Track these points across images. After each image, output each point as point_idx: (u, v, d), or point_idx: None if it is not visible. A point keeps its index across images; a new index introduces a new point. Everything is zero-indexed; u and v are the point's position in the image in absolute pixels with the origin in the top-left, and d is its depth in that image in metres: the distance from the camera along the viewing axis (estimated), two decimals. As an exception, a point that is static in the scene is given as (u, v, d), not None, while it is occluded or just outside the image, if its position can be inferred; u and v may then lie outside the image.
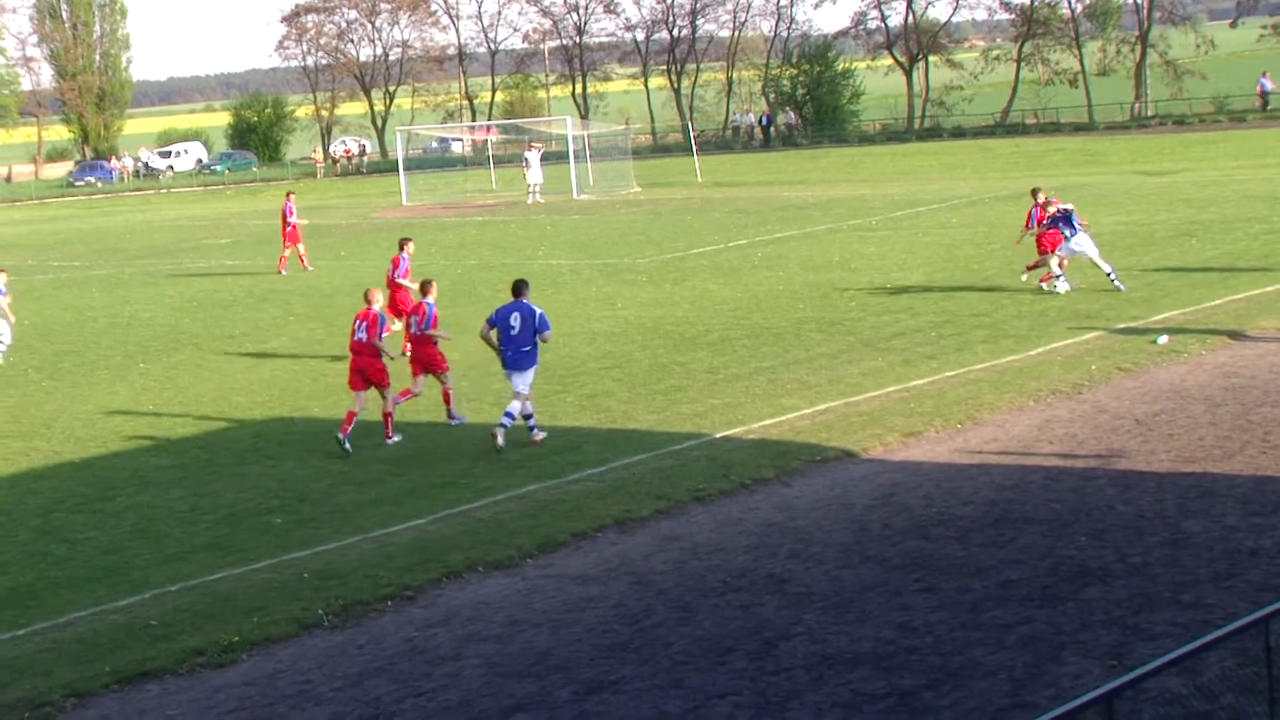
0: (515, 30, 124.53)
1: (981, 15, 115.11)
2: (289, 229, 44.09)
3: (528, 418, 20.74)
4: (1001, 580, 13.82)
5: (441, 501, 18.02)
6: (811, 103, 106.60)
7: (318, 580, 15.35)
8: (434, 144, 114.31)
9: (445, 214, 62.81)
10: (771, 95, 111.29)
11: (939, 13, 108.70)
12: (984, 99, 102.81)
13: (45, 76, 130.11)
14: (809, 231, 44.92)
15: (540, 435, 20.69)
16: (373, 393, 21.60)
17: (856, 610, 13.35)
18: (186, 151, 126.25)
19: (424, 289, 22.82)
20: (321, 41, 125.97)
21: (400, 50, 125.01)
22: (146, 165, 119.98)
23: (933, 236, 41.29)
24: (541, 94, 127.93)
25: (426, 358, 22.36)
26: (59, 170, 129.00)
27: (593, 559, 15.57)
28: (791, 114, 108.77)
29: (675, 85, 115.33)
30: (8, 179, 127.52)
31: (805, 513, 16.61)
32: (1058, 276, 29.56)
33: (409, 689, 12.48)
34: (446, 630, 13.80)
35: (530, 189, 66.87)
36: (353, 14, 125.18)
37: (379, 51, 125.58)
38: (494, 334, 20.67)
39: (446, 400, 22.45)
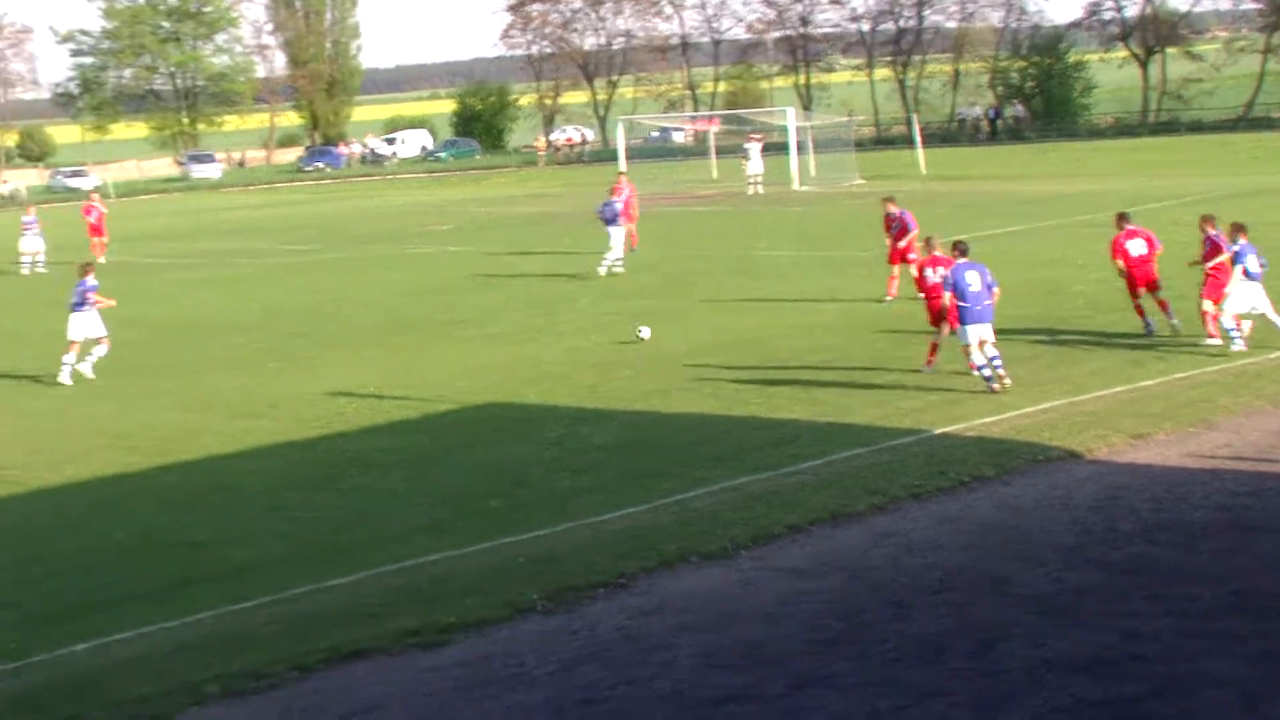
0: (739, 20, 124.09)
1: (1225, 4, 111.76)
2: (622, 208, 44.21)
3: (993, 359, 22.27)
4: (1235, 589, 13.40)
5: (656, 490, 18.10)
6: (1041, 95, 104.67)
7: (533, 565, 15.54)
8: (655, 134, 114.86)
9: (665, 204, 63.08)
10: (999, 88, 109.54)
11: (1179, 2, 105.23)
12: (1226, 92, 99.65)
13: (278, 64, 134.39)
14: (1034, 227, 44.10)
15: (1001, 383, 22.12)
16: None
17: (1078, 614, 13.06)
18: (411, 139, 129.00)
19: (931, 250, 24.34)
20: (546, 31, 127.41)
21: (624, 40, 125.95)
22: (373, 152, 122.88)
23: (1164, 234, 39.81)
24: (764, 85, 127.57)
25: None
26: (289, 156, 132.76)
27: (807, 552, 15.50)
28: (1019, 107, 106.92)
29: (900, 77, 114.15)
30: (241, 164, 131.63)
31: (1026, 512, 16.32)
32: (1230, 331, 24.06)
33: (621, 676, 12.56)
34: (659, 619, 13.86)
35: (750, 180, 66.72)
36: (577, 3, 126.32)
37: (602, 41, 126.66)
38: (950, 296, 22.45)
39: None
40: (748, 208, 58.03)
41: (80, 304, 28.82)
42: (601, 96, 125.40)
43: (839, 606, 13.78)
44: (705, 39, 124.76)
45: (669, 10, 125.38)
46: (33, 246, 51.21)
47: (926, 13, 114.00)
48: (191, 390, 27.16)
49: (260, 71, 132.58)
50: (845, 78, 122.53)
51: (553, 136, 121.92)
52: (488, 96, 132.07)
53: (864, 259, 38.73)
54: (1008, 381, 22.18)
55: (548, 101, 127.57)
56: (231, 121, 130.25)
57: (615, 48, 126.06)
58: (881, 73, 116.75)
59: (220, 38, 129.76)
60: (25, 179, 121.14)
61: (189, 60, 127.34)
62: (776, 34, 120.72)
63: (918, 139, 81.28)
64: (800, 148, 71.31)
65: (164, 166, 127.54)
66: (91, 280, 29.12)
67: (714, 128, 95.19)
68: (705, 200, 64.52)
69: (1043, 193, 56.22)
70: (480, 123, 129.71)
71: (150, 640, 14.16)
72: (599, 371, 26.04)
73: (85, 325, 28.85)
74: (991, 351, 22.31)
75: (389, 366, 28.13)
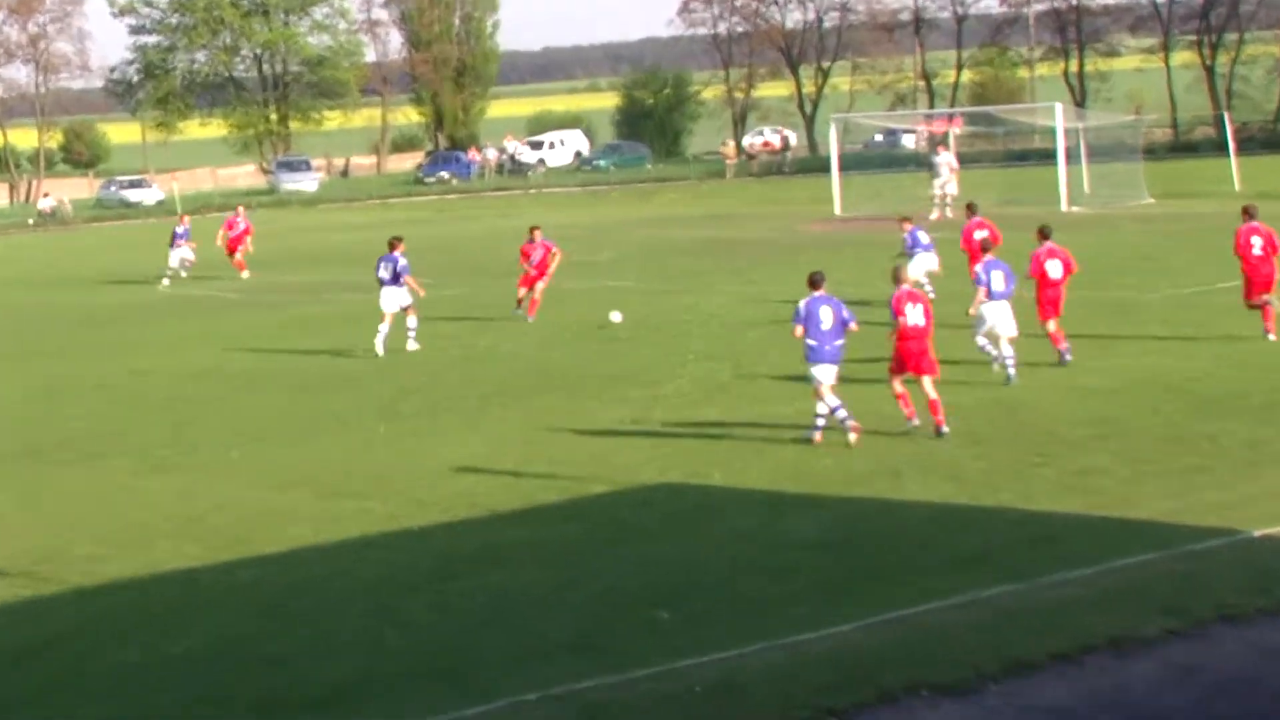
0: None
1: None
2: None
3: (835, 410, 25.51)
4: None
5: (873, 602, 17.99)
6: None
7: (712, 695, 15.53)
8: (878, 137, 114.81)
9: (889, 227, 62.87)
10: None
11: None
12: None
13: (393, 45, 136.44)
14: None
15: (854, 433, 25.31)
16: None
17: None
18: (563, 142, 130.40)
19: None
20: (738, 4, 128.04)
21: (839, 15, 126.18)
22: (513, 158, 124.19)
23: None
24: (1023, 73, 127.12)
25: None
26: (406, 163, 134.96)
27: (1078, 690, 15.29)
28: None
29: (1208, 62, 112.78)
30: (344, 173, 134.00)
31: (1378, 644, 15.95)
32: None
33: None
34: (878, 771, 13.76)
35: (936, 200, 66.51)
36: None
37: (811, 16, 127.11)
38: (800, 330, 25.83)
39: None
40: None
41: (393, 280, 37.61)
42: (809, 89, 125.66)
43: (1120, 761, 13.57)
44: (945, 14, 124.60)
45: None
46: (185, 257, 60.46)
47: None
48: (276, 461, 27.62)
49: (370, 55, 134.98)
50: (1132, 64, 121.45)
51: (745, 140, 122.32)
52: (661, 88, 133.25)
53: (1152, 302, 38.34)
54: (853, 437, 25.32)
55: (739, 95, 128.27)
56: (333, 119, 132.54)
57: (827, 25, 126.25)
58: (1182, 57, 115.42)
59: (320, 11, 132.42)
60: (71, 190, 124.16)
61: (279, 40, 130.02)
62: (1040, 7, 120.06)
63: (1230, 144, 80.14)
64: (1071, 156, 70.71)
65: (246, 175, 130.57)
66: (403, 259, 37.92)
67: (955, 129, 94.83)
68: (941, 223, 64.18)
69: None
70: (651, 121, 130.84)
71: (218, 782, 14.39)
72: (803, 445, 25.98)
73: (396, 298, 37.73)
74: (834, 400, 25.62)
75: (530, 434, 28.34)
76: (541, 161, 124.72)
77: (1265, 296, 32.06)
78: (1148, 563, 18.78)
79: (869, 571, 19.21)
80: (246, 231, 61.08)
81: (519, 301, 42.67)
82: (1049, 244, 31.85)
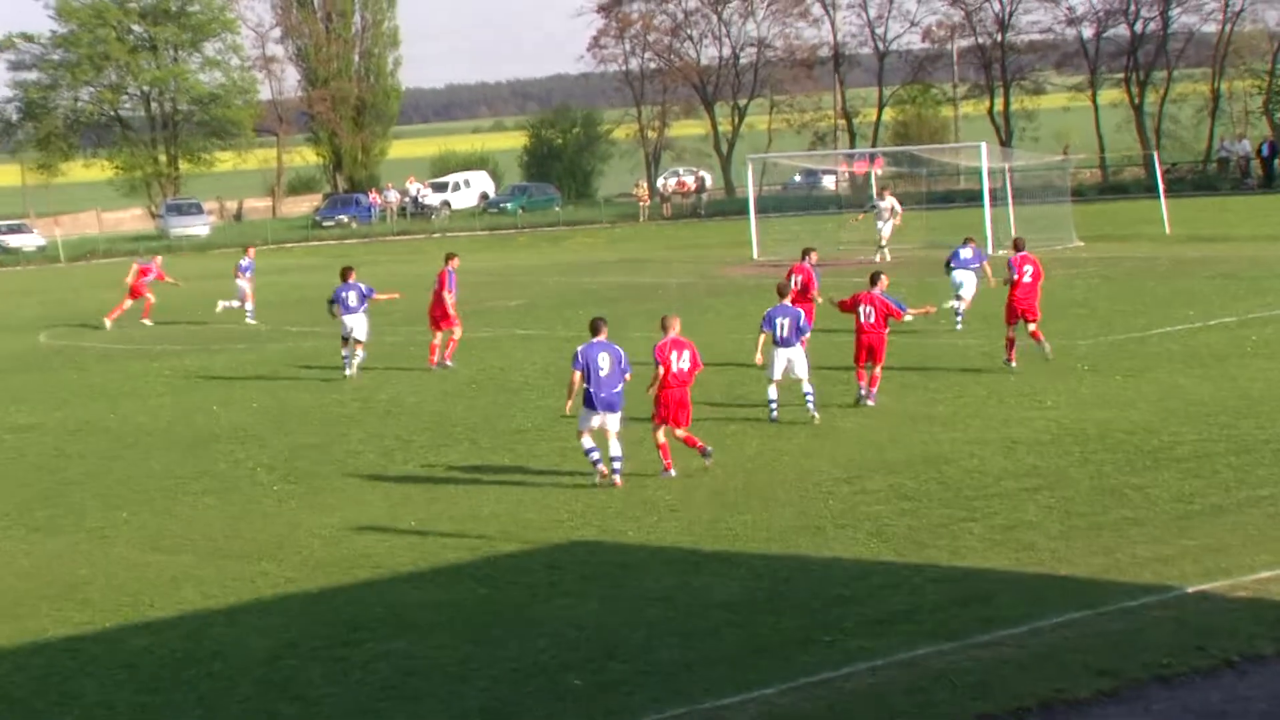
0: (913, 25, 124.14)
1: None
2: None
3: (614, 459, 27.32)
4: None
5: (797, 665, 18.03)
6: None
7: (628, 766, 15.53)
8: (797, 178, 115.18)
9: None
10: (1277, 114, 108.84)
11: None
12: None
13: (289, 83, 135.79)
14: (1325, 306, 43.69)
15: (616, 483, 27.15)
16: None
17: None
18: (468, 183, 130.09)
19: None
20: (650, 39, 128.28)
21: (755, 51, 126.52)
22: (416, 201, 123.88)
23: None
24: (946, 111, 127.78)
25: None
26: (303, 206, 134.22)
27: (1008, 755, 15.35)
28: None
29: (1136, 100, 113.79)
30: (238, 216, 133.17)
31: (1317, 705, 16.07)
32: None
33: None
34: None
35: (881, 244, 67.28)
36: (692, 2, 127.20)
37: (726, 52, 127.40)
38: (578, 376, 27.62)
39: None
40: (923, 279, 57.96)
41: (357, 307, 41.98)
42: (724, 128, 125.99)
43: (1053, 831, 13.61)
44: (866, 49, 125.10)
45: (817, 11, 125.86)
46: (247, 290, 60.91)
47: (1174, 11, 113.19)
48: (165, 522, 27.40)
49: (265, 93, 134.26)
50: (1059, 101, 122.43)
51: (659, 181, 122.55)
52: (570, 127, 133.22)
53: (1082, 349, 38.58)
54: (617, 480, 27.16)
55: (652, 134, 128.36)
56: (225, 160, 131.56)
57: (744, 61, 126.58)
58: (1110, 95, 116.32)
59: (211, 47, 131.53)
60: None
61: (168, 77, 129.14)
62: (964, 42, 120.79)
63: (1160, 185, 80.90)
64: (996, 197, 71.18)
65: (134, 219, 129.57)
66: (363, 284, 43.02)
67: (877, 170, 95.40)
68: (867, 267, 64.48)
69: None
70: (560, 162, 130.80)
71: None
72: (721, 501, 26.01)
73: (361, 325, 42.32)
74: (617, 449, 27.26)
75: (435, 491, 28.26)
76: (446, 204, 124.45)
77: (1030, 325, 36.96)
78: (1078, 621, 18.90)
79: (792, 633, 19.24)
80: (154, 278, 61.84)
81: (433, 355, 43.31)
82: (868, 291, 34.06)
